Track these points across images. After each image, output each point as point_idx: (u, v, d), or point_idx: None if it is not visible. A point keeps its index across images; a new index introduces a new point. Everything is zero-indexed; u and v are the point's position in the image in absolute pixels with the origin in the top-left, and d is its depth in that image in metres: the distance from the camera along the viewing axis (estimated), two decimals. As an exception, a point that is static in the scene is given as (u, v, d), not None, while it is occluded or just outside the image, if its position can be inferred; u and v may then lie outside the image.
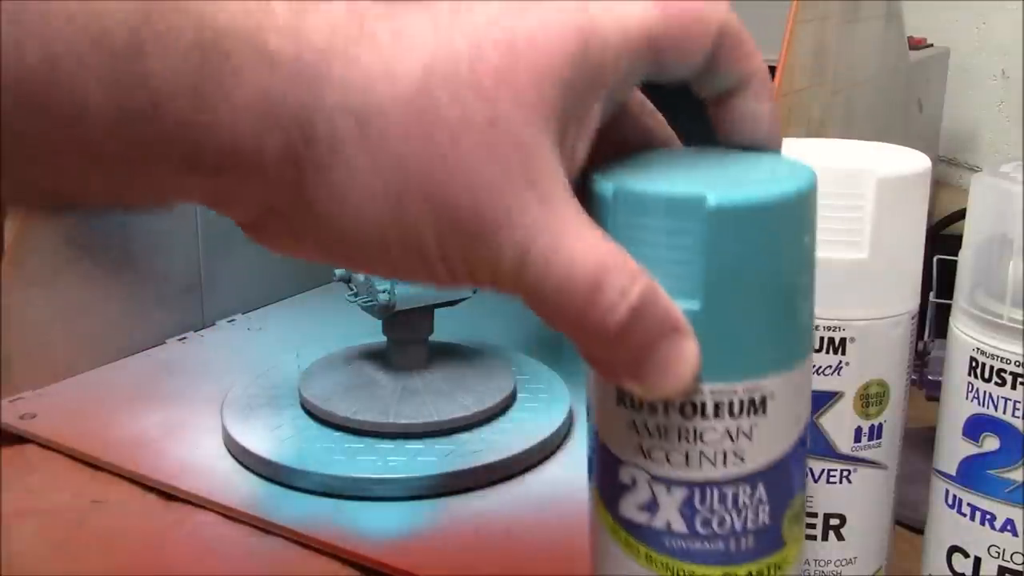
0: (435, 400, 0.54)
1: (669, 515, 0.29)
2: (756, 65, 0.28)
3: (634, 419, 0.29)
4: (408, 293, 0.55)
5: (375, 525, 0.45)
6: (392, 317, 0.55)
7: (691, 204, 0.26)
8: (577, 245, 0.23)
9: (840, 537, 0.37)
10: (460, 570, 0.43)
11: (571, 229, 0.23)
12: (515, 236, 0.23)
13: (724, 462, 0.28)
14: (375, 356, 0.58)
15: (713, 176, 0.28)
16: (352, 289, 0.57)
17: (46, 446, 0.53)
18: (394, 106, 0.22)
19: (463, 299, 0.57)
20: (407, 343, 0.57)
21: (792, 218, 0.28)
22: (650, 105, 0.29)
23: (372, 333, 0.57)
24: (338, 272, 0.57)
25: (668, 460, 0.29)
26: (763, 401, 0.28)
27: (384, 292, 0.54)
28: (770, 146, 0.29)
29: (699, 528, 0.29)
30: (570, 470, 0.51)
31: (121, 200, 0.24)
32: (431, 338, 0.57)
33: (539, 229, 0.23)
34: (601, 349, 0.25)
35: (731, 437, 0.28)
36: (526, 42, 0.23)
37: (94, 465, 0.52)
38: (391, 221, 0.23)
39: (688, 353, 0.25)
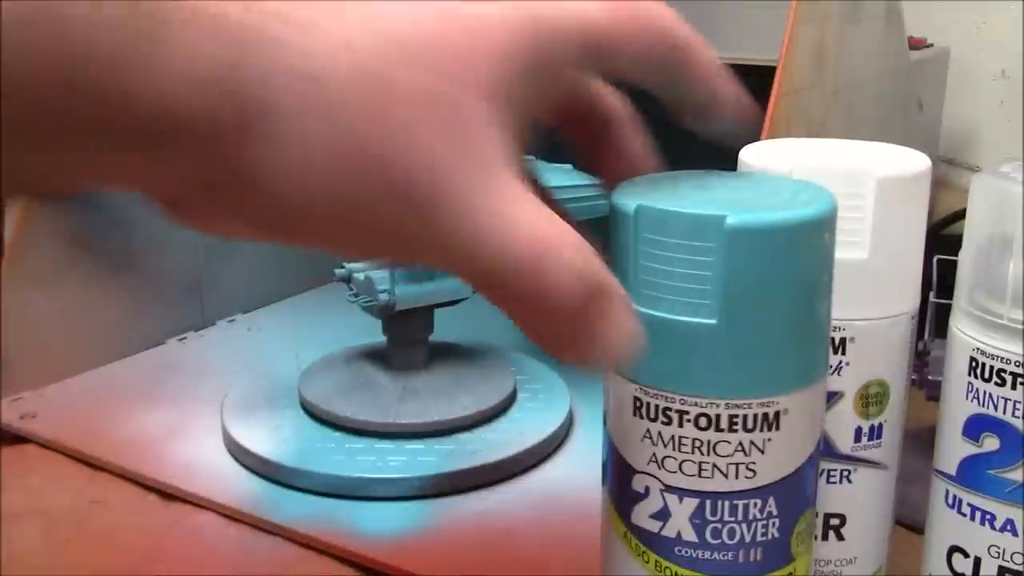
0: (435, 400, 0.54)
1: (680, 524, 0.29)
2: (720, 85, 0.29)
3: (649, 429, 0.29)
4: (408, 293, 0.55)
5: (375, 525, 0.45)
6: (392, 317, 0.55)
7: (711, 223, 0.27)
8: (525, 219, 0.23)
9: (840, 537, 0.37)
10: (460, 570, 0.43)
11: (520, 205, 0.24)
12: (471, 212, 0.23)
13: (736, 475, 0.29)
14: (375, 356, 0.58)
15: (735, 197, 0.29)
16: (352, 289, 0.57)
17: (46, 446, 0.53)
18: (352, 78, 0.21)
19: (463, 299, 0.57)
20: (407, 343, 0.57)
21: (810, 241, 0.28)
22: (625, 118, 0.30)
23: (372, 333, 0.57)
24: (338, 272, 0.57)
25: (681, 470, 0.29)
26: (777, 417, 0.29)
27: (384, 292, 0.54)
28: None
29: (709, 539, 0.29)
30: (570, 470, 0.51)
31: (42, 184, 0.23)
32: (431, 338, 0.57)
33: (492, 205, 0.23)
34: (543, 322, 0.25)
35: (744, 451, 0.29)
36: (486, 27, 0.23)
37: (94, 465, 0.52)
38: (344, 195, 0.22)
39: (625, 324, 0.25)
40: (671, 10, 0.28)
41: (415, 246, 0.23)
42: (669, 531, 0.29)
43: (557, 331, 0.25)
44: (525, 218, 0.23)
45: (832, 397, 0.35)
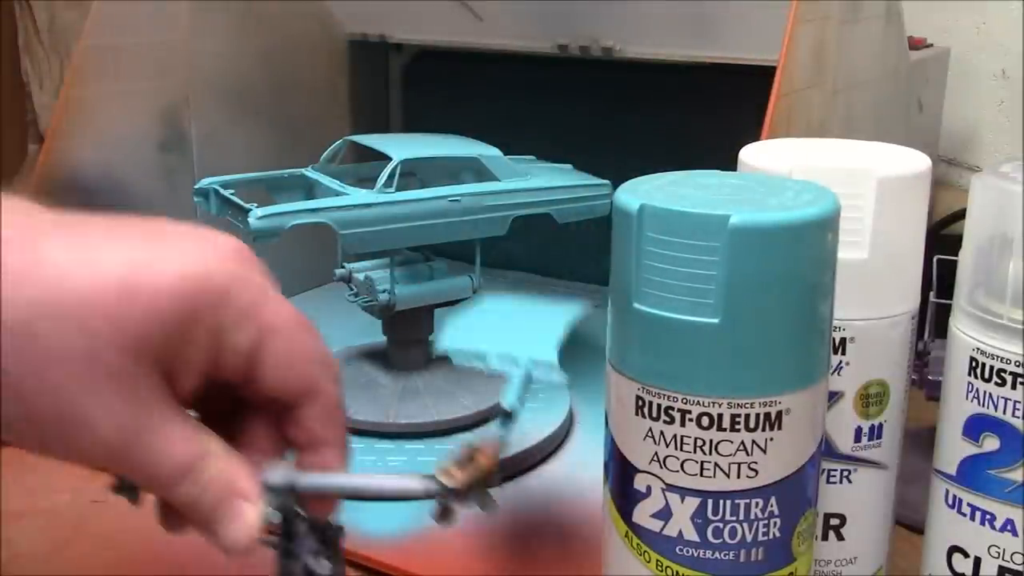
0: (435, 400, 0.54)
1: (682, 524, 0.29)
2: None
3: (651, 428, 0.29)
4: (408, 293, 0.55)
5: (375, 525, 0.45)
6: (392, 317, 0.55)
7: (715, 223, 0.27)
8: (160, 443, 0.29)
9: (840, 537, 0.37)
10: (460, 570, 0.43)
11: (163, 428, 0.29)
12: (99, 435, 0.28)
13: (738, 474, 0.29)
14: (375, 356, 0.58)
15: (737, 197, 0.29)
16: (352, 289, 0.57)
17: (46, 446, 0.53)
18: (6, 332, 0.27)
19: (463, 299, 0.57)
20: (407, 343, 0.57)
21: (813, 241, 0.28)
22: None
23: (372, 333, 0.57)
24: (338, 272, 0.57)
25: (683, 470, 0.29)
26: (779, 416, 0.29)
27: (384, 292, 0.54)
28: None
29: (711, 538, 0.29)
30: (570, 470, 0.51)
31: None
32: (431, 338, 0.57)
33: (128, 431, 0.29)
34: (186, 514, 0.31)
35: (746, 450, 0.29)
36: (150, 290, 0.28)
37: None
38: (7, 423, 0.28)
39: (250, 517, 0.31)
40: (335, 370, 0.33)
41: (66, 456, 0.30)
42: (671, 530, 0.29)
43: (194, 522, 0.31)
44: (166, 440, 0.29)
45: (832, 397, 0.35)
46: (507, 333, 0.41)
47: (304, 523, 0.33)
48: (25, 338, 0.27)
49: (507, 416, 0.36)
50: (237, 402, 0.33)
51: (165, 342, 0.29)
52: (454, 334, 0.43)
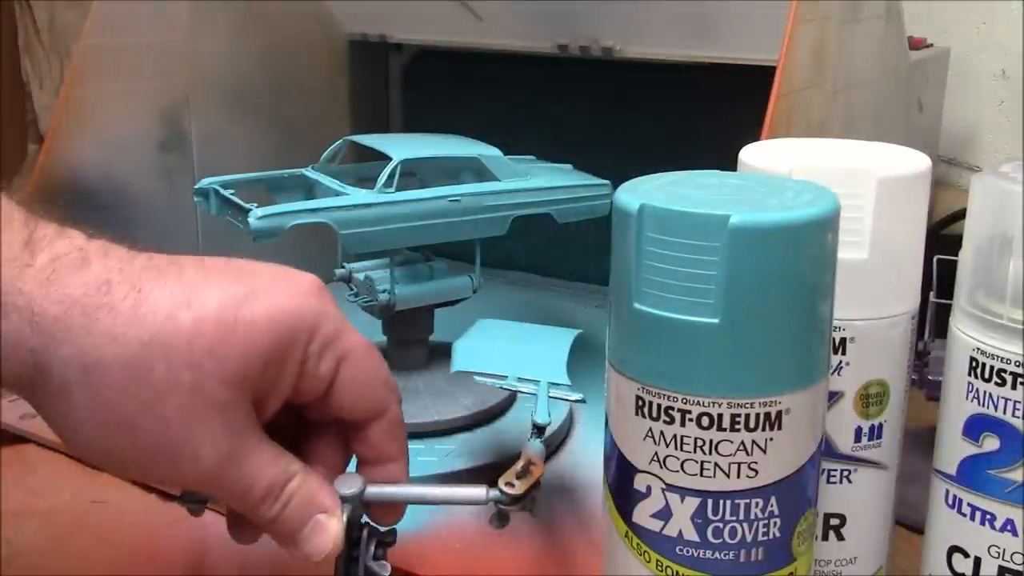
0: (435, 400, 0.54)
1: (682, 524, 0.29)
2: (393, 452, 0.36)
3: (651, 428, 0.29)
4: (408, 293, 0.55)
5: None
6: (392, 317, 0.55)
7: (715, 223, 0.27)
8: (252, 467, 0.32)
9: (840, 537, 0.37)
10: (460, 570, 0.43)
11: (255, 454, 0.32)
12: (201, 462, 0.31)
13: (738, 474, 0.29)
14: (375, 356, 0.58)
15: (737, 197, 0.29)
16: (352, 289, 0.57)
17: (46, 446, 0.53)
18: (115, 365, 0.30)
19: (463, 299, 0.57)
20: (407, 343, 0.57)
21: (813, 241, 0.28)
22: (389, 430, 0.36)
23: (372, 333, 0.57)
24: (338, 272, 0.57)
25: (683, 470, 0.29)
26: (779, 416, 0.28)
27: (384, 292, 0.54)
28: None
29: (711, 538, 0.29)
30: (570, 470, 0.51)
31: None
32: (431, 338, 0.57)
33: (226, 457, 0.31)
34: (272, 531, 0.34)
35: (746, 450, 0.29)
36: (245, 328, 0.31)
37: (94, 465, 0.52)
38: (102, 448, 0.31)
39: (332, 529, 0.34)
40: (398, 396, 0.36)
41: (161, 482, 0.33)
42: (671, 530, 0.29)
43: (280, 537, 0.34)
44: (255, 467, 0.32)
45: (832, 397, 0.35)
46: (516, 359, 0.44)
47: (367, 530, 0.36)
48: (138, 374, 0.30)
49: (540, 430, 0.41)
50: (304, 420, 0.36)
51: (261, 374, 0.32)
52: (466, 359, 0.45)
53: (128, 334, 0.30)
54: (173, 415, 0.30)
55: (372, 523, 0.36)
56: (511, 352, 0.47)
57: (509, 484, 0.36)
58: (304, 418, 0.36)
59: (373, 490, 0.35)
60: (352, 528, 0.35)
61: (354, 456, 0.37)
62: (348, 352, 0.34)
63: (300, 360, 0.33)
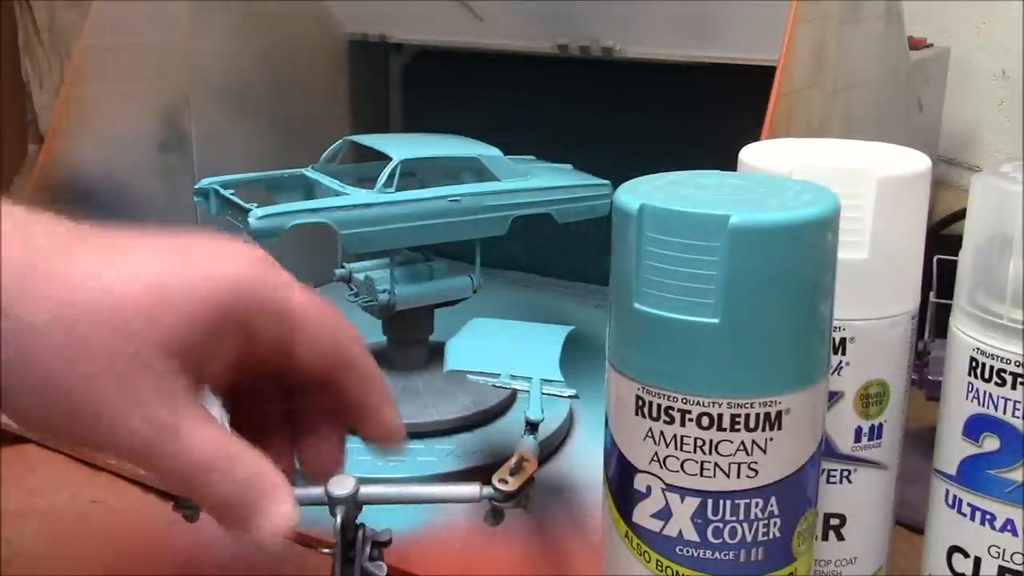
0: (435, 400, 0.54)
1: (682, 524, 0.29)
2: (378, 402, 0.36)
3: (651, 428, 0.29)
4: (408, 293, 0.55)
5: (375, 525, 0.45)
6: (392, 317, 0.55)
7: (715, 223, 0.27)
8: (189, 440, 0.31)
9: (840, 537, 0.37)
10: (460, 570, 0.43)
11: (190, 426, 0.31)
12: (130, 426, 0.30)
13: (738, 474, 0.29)
14: (375, 356, 0.57)
15: (737, 197, 0.29)
16: (352, 289, 0.57)
17: (46, 446, 0.53)
18: (50, 332, 0.29)
19: (463, 299, 0.57)
20: (407, 343, 0.57)
21: (813, 241, 0.28)
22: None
23: (372, 333, 0.57)
24: (338, 272, 0.57)
25: (683, 470, 0.29)
26: (779, 416, 0.28)
27: (384, 292, 0.54)
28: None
29: (711, 538, 0.29)
30: (569, 470, 0.51)
31: None
32: (431, 338, 0.57)
33: (157, 425, 0.30)
34: (218, 512, 0.32)
35: (746, 450, 0.29)
36: (181, 293, 0.30)
37: (94, 465, 0.52)
38: (38, 416, 0.30)
39: (284, 511, 0.32)
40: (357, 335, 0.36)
41: (104, 450, 0.31)
42: (671, 530, 0.29)
43: (227, 519, 0.32)
44: (196, 438, 0.31)
45: (832, 397, 0.35)
46: (509, 357, 0.44)
47: (362, 530, 0.36)
48: (73, 342, 0.29)
49: (534, 427, 0.41)
50: (295, 416, 0.36)
51: (197, 342, 0.31)
52: (458, 358, 0.45)
53: (64, 301, 0.29)
54: (108, 383, 0.30)
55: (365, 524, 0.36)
56: (503, 350, 0.47)
57: (503, 481, 0.36)
58: (295, 413, 0.36)
59: (366, 490, 0.35)
60: (348, 529, 0.35)
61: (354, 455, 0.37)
62: (298, 312, 0.33)
63: (244, 329, 0.32)
